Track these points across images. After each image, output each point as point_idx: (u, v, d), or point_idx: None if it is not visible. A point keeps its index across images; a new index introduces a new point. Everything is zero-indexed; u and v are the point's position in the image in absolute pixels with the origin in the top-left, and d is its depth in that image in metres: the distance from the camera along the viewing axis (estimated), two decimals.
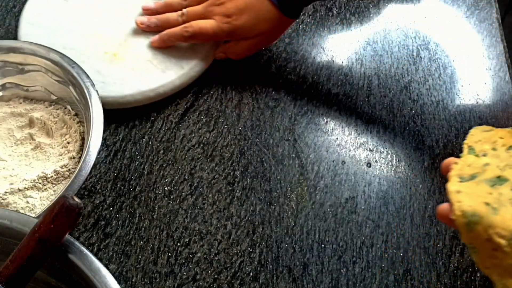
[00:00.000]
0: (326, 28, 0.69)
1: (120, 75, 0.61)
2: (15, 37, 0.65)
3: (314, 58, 0.66)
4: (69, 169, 0.54)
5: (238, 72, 0.65)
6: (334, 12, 0.71)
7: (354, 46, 0.68)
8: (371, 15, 0.71)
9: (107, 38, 0.64)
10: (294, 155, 0.58)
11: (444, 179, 0.56)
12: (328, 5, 0.71)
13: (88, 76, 0.54)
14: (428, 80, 0.64)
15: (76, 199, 0.36)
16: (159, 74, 0.61)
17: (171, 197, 0.55)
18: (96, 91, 0.53)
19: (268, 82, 0.64)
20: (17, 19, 0.66)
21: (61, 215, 0.36)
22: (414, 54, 0.67)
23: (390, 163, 0.58)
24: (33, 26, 0.65)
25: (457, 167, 0.41)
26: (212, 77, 0.64)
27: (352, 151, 0.59)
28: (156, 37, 0.62)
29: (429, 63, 0.66)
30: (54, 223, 0.36)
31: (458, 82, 0.64)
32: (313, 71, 0.65)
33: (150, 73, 0.61)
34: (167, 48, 0.63)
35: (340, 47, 0.67)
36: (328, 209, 0.55)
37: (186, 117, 0.61)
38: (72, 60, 0.56)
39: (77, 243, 0.38)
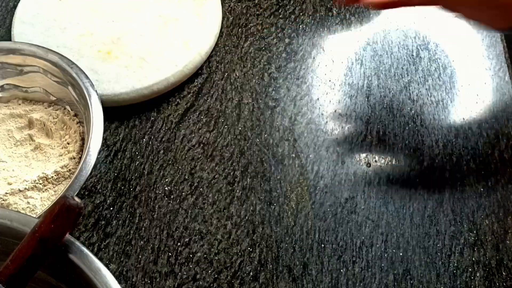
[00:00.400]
0: (326, 28, 0.69)
1: (114, 73, 0.61)
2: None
3: (314, 58, 0.66)
4: (69, 170, 0.54)
5: (238, 72, 0.65)
6: (334, 12, 0.71)
7: (354, 46, 0.68)
8: (371, 15, 0.71)
9: (101, 37, 0.64)
10: (294, 155, 0.58)
11: (444, 180, 0.57)
12: (328, 5, 0.71)
13: (87, 77, 0.54)
14: (428, 80, 0.64)
15: (77, 199, 0.36)
16: (153, 72, 0.61)
17: (171, 197, 0.55)
18: (96, 91, 0.54)
19: (268, 82, 0.64)
20: None
21: (61, 215, 0.36)
22: (414, 54, 0.67)
23: (390, 163, 0.58)
24: (26, 25, 0.65)
25: None
26: (212, 77, 0.64)
27: (352, 151, 0.59)
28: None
29: (429, 63, 0.66)
30: (55, 223, 0.36)
31: (458, 82, 0.64)
32: (313, 71, 0.65)
33: (144, 71, 0.61)
34: (162, 45, 0.63)
35: (340, 47, 0.67)
36: (328, 209, 0.55)
37: (186, 117, 0.61)
38: (71, 61, 0.56)
39: (77, 243, 0.38)
